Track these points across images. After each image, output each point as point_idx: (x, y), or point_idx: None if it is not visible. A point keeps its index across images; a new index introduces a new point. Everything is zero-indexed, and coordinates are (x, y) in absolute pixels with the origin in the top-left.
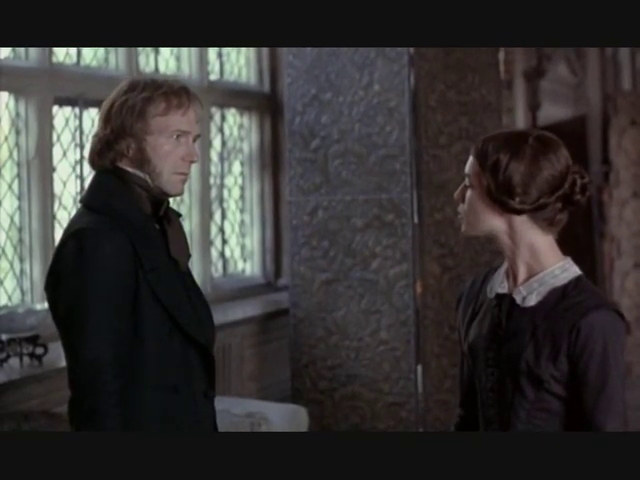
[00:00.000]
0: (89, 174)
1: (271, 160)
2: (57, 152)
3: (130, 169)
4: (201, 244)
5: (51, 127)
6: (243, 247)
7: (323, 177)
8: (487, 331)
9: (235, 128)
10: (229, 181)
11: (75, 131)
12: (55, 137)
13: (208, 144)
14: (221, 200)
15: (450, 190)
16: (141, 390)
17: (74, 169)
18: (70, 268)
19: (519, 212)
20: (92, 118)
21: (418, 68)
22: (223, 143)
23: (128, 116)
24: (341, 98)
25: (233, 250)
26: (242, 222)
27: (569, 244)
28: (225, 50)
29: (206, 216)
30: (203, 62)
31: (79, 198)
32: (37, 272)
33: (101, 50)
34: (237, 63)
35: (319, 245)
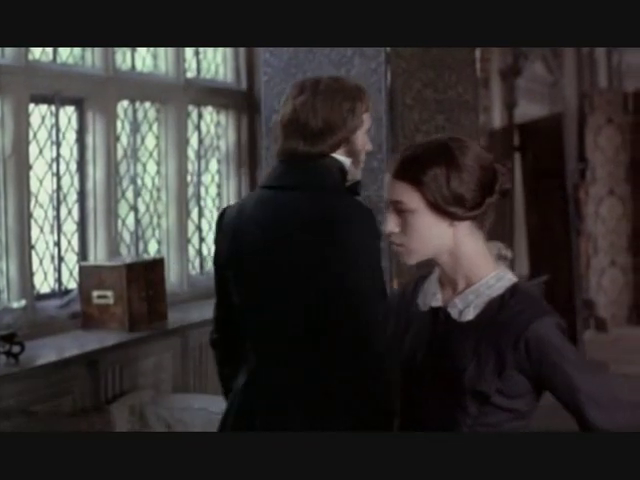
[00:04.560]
0: (65, 172)
1: (248, 158)
2: (33, 150)
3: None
4: (178, 242)
5: (27, 125)
6: None
7: None
8: (424, 346)
9: (212, 126)
10: (206, 179)
11: (51, 129)
12: (31, 135)
13: (185, 142)
14: (198, 198)
15: None
16: None
17: (50, 167)
18: (369, 250)
19: (470, 218)
20: (68, 116)
21: (394, 66)
22: (200, 141)
23: (347, 114)
24: None
25: (210, 248)
26: None
27: (545, 242)
28: (202, 48)
29: (183, 214)
30: (180, 60)
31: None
32: (13, 270)
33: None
34: (214, 61)
35: None
